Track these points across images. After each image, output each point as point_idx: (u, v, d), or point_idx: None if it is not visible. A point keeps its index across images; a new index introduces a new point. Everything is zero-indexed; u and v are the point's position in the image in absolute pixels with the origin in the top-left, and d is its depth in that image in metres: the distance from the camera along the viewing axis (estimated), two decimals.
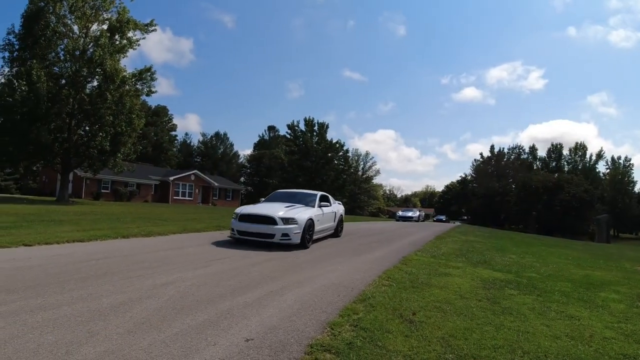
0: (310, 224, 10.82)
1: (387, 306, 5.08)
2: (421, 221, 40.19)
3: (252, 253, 9.13)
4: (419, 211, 42.86)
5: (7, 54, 27.57)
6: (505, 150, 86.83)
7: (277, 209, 10.57)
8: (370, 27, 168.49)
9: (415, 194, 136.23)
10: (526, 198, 67.12)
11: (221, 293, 5.37)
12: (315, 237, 11.44)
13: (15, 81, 26.41)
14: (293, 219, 10.23)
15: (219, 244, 10.54)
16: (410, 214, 39.99)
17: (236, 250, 9.37)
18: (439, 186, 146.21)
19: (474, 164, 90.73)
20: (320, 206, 12.18)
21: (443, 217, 66.52)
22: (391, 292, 5.89)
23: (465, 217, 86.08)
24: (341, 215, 14.50)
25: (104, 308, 4.44)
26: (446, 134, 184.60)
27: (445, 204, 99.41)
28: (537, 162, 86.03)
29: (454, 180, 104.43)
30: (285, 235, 10.01)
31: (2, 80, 27.23)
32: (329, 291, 5.80)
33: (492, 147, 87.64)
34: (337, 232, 13.93)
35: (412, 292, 5.93)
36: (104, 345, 3.41)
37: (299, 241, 10.25)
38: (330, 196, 13.74)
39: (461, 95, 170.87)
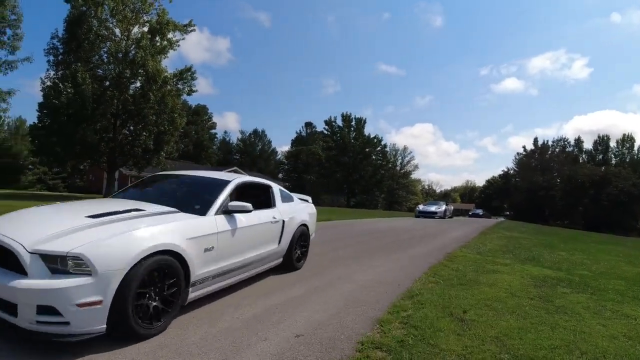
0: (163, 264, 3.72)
1: (436, 304, 4.93)
2: (448, 217, 32.68)
3: None
4: (445, 205, 33.61)
5: (52, 57, 28.66)
6: (550, 143, 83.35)
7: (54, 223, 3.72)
8: (406, 18, 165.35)
9: (454, 189, 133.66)
10: (572, 192, 64.60)
11: (267, 288, 5.37)
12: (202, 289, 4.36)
13: (60, 84, 27.46)
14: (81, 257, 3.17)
15: None
16: (433, 208, 31.36)
17: None
18: (480, 181, 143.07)
19: (517, 157, 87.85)
20: (228, 210, 4.84)
21: (480, 211, 62.53)
22: (439, 289, 5.73)
23: (508, 213, 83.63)
24: (300, 226, 6.99)
25: None
26: (486, 126, 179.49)
27: (486, 199, 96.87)
28: (583, 155, 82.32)
29: (496, 174, 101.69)
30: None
31: (48, 84, 28.36)
32: (374, 287, 5.70)
33: (535, 140, 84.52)
34: (288, 261, 6.65)
35: (461, 290, 5.75)
36: (158, 340, 3.44)
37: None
38: (276, 188, 6.81)
39: (502, 86, 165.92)
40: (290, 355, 3.27)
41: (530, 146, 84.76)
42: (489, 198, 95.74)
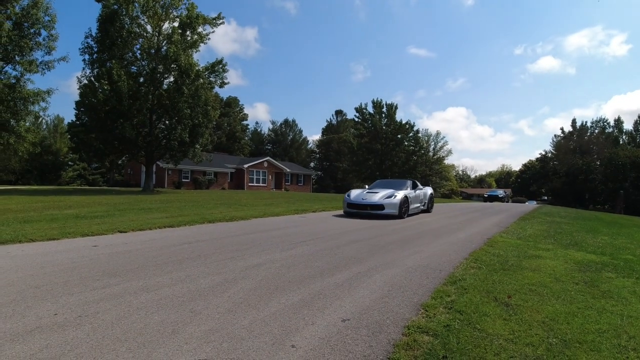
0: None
1: (480, 289, 4.91)
2: (506, 202, 42.41)
3: (335, 235, 9.24)
4: (504, 192, 45.79)
5: (87, 56, 29.55)
6: (588, 124, 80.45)
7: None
8: None
9: (490, 174, 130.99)
10: (612, 176, 62.19)
11: (310, 274, 5.45)
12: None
13: (96, 82, 28.28)
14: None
15: (299, 227, 10.75)
16: (498, 193, 45.62)
17: (318, 234, 9.49)
18: (516, 165, 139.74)
19: (554, 140, 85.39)
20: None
21: (500, 193, 61.12)
22: (481, 274, 5.69)
23: (545, 197, 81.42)
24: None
25: (202, 288, 4.64)
26: (522, 108, 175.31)
27: (523, 183, 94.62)
28: (624, 136, 79.05)
29: (533, 158, 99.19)
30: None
31: (85, 82, 29.24)
32: (416, 273, 5.71)
33: (573, 121, 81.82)
34: (428, 209, 18.07)
35: (504, 275, 5.70)
36: (208, 324, 3.55)
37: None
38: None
39: (537, 65, 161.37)
40: (338, 339, 3.33)
41: (568, 128, 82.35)
42: (526, 183, 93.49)
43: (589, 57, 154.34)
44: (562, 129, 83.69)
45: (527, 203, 61.06)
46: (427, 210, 18.02)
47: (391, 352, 3.13)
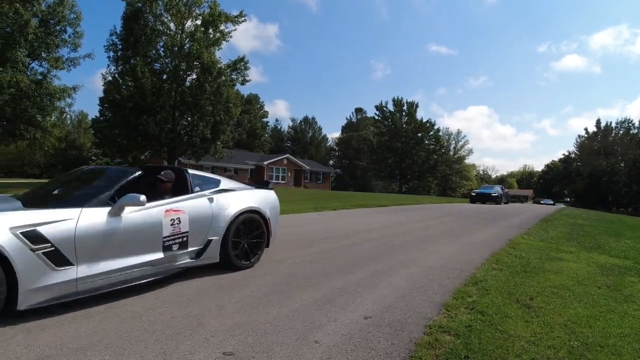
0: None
1: (502, 290, 4.90)
2: (504, 203, 29.95)
3: (355, 233, 9.29)
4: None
5: (111, 53, 30.06)
6: (613, 125, 78.20)
7: None
8: None
9: (511, 174, 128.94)
10: (637, 178, 60.78)
11: (332, 271, 5.52)
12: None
13: (120, 79, 28.75)
14: None
15: (319, 224, 10.81)
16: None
17: (337, 231, 9.53)
18: (538, 165, 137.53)
19: (578, 140, 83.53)
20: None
21: (494, 190, 58.81)
22: (503, 276, 5.68)
23: (568, 199, 79.85)
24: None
25: (225, 283, 4.75)
26: (545, 108, 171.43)
27: (545, 184, 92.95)
28: None
29: (555, 158, 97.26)
30: None
31: (109, 79, 29.77)
32: (437, 273, 5.72)
33: (597, 121, 79.61)
34: (507, 202, 21.39)
35: (526, 277, 5.68)
36: (233, 318, 3.63)
37: None
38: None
39: (561, 64, 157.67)
40: (361, 336, 3.37)
41: (592, 128, 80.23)
42: (548, 184, 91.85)
43: (614, 56, 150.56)
44: (585, 129, 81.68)
45: (542, 202, 59.89)
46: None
47: (413, 351, 3.16)
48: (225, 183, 5.65)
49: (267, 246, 5.82)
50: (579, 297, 4.86)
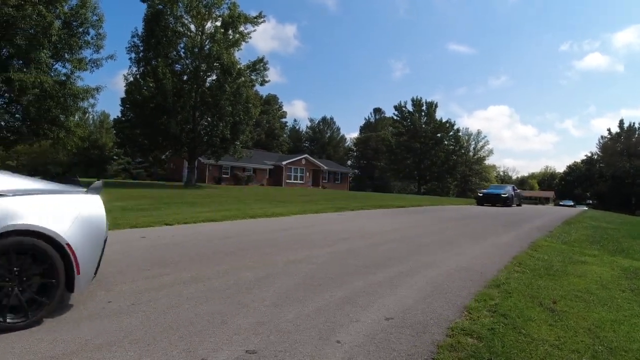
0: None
1: (524, 293, 4.84)
2: (516, 205, 27.34)
3: (375, 233, 9.28)
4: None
5: (133, 55, 30.55)
6: (637, 125, 76.37)
7: None
8: None
9: (532, 175, 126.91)
10: None
11: (352, 271, 5.52)
12: None
13: (141, 80, 29.16)
14: None
15: (339, 225, 10.81)
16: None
17: (358, 231, 9.53)
18: (560, 167, 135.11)
19: (600, 141, 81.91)
20: None
21: (504, 190, 57.49)
22: (526, 278, 5.61)
23: (590, 202, 78.25)
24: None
25: (248, 282, 4.79)
26: (567, 107, 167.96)
27: (567, 186, 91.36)
28: None
29: (578, 160, 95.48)
30: None
31: (131, 79, 30.23)
32: (458, 275, 5.68)
33: (620, 122, 77.84)
34: (520, 204, 24.00)
35: (548, 280, 5.60)
36: (255, 317, 3.66)
37: None
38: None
39: (584, 63, 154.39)
40: (383, 337, 3.36)
41: (615, 129, 78.55)
42: (570, 185, 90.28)
43: (638, 55, 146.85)
44: (609, 129, 79.98)
45: (561, 204, 58.65)
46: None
47: (435, 353, 3.14)
48: None
49: (72, 290, 3.59)
50: (603, 301, 4.79)
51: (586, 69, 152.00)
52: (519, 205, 27.55)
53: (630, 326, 3.98)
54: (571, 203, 59.34)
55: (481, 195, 27.40)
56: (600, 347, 3.41)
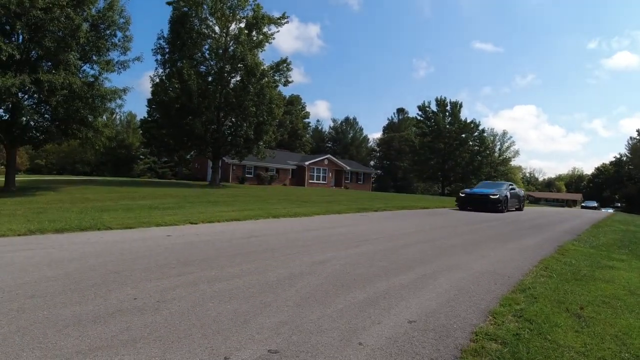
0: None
1: (550, 298, 4.74)
2: (516, 208, 22.43)
3: (399, 235, 9.21)
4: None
5: (159, 56, 31.09)
6: None
7: None
8: None
9: (559, 177, 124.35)
10: None
11: (375, 273, 5.49)
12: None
13: (167, 81, 29.64)
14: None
15: (362, 225, 10.78)
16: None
17: (381, 233, 9.49)
18: (588, 168, 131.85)
19: (630, 142, 79.66)
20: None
21: (594, 203, 55.93)
22: (552, 283, 5.48)
23: (618, 204, 76.15)
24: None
25: (271, 281, 4.81)
26: (596, 107, 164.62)
27: (595, 188, 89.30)
28: None
29: (606, 161, 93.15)
30: None
31: (157, 81, 30.73)
32: (483, 278, 5.60)
33: None
34: (521, 208, 21.35)
35: (575, 285, 5.46)
36: (278, 316, 3.67)
37: None
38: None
39: (613, 61, 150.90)
40: (405, 340, 3.33)
41: None
42: (599, 188, 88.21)
43: None
44: (638, 130, 78.01)
45: (583, 205, 56.65)
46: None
47: (459, 357, 3.10)
48: None
49: None
50: (631, 307, 4.66)
51: (615, 68, 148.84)
52: (518, 209, 22.59)
53: None
54: (595, 204, 57.62)
55: (463, 195, 20.80)
56: (627, 355, 3.32)
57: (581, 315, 4.21)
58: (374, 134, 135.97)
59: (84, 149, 49.33)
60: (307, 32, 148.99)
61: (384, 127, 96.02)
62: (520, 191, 23.94)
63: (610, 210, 51.31)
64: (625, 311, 4.48)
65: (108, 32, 23.90)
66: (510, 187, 22.02)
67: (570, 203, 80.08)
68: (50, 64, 21.44)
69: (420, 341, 3.35)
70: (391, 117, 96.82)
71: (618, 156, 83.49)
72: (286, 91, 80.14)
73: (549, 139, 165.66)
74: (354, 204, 18.46)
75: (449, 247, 8.01)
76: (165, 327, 3.33)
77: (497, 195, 19.34)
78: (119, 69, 25.30)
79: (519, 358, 3.11)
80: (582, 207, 55.93)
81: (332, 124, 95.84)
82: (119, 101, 24.89)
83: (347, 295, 4.42)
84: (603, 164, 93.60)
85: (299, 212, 13.12)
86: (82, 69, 23.75)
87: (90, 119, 23.35)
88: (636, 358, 3.28)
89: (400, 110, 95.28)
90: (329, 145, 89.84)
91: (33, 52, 21.28)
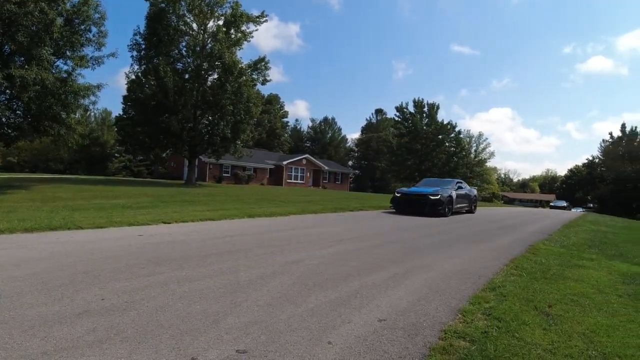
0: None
1: (520, 297, 4.82)
2: (466, 211, 19.41)
3: (373, 235, 9.26)
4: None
5: (135, 53, 30.55)
6: (639, 130, 76.14)
7: None
8: None
9: (533, 178, 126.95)
10: None
11: (348, 273, 5.50)
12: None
13: (143, 78, 29.19)
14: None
15: (338, 225, 10.80)
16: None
17: (356, 232, 9.52)
18: (562, 170, 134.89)
19: (602, 145, 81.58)
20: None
21: (564, 203, 56.77)
22: (522, 282, 5.58)
23: (591, 205, 78.07)
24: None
25: (243, 281, 4.78)
26: (570, 111, 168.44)
27: (568, 189, 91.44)
28: None
29: (579, 163, 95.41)
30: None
31: (132, 77, 30.25)
32: (454, 277, 5.66)
33: (622, 126, 77.17)
34: (472, 210, 18.34)
35: (545, 284, 5.58)
36: (248, 316, 3.65)
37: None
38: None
39: (587, 66, 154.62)
40: (374, 339, 3.35)
41: (617, 133, 78.17)
42: (572, 189, 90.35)
43: None
44: (610, 133, 79.52)
45: (552, 205, 57.92)
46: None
47: (427, 355, 3.13)
48: None
49: None
50: (599, 305, 4.77)
51: (589, 72, 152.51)
52: (469, 211, 19.58)
53: (626, 331, 3.96)
54: (564, 204, 58.86)
55: (399, 195, 17.66)
56: (594, 352, 3.39)
57: (549, 313, 4.30)
58: (353, 134, 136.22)
59: (56, 147, 48.10)
60: (287, 30, 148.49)
61: (362, 127, 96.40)
62: (472, 190, 20.69)
63: (580, 210, 52.52)
64: (594, 309, 4.59)
65: (83, 27, 23.40)
66: (459, 184, 19.10)
67: (544, 203, 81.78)
68: (23, 59, 20.90)
69: (389, 339, 3.37)
70: (370, 117, 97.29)
71: (590, 158, 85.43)
72: (265, 90, 79.84)
73: (524, 141, 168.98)
74: (331, 203, 18.49)
75: (421, 247, 8.09)
76: (132, 328, 3.28)
77: (438, 195, 16.13)
78: (93, 64, 24.79)
79: (487, 356, 3.15)
80: (551, 206, 57.01)
81: (310, 124, 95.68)
82: (92, 98, 24.40)
83: (318, 294, 4.43)
84: (576, 165, 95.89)
85: (275, 211, 13.07)
86: (56, 64, 23.22)
87: (63, 116, 22.83)
88: (602, 355, 3.35)
89: (379, 111, 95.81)
90: (308, 145, 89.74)
91: (6, 47, 20.71)
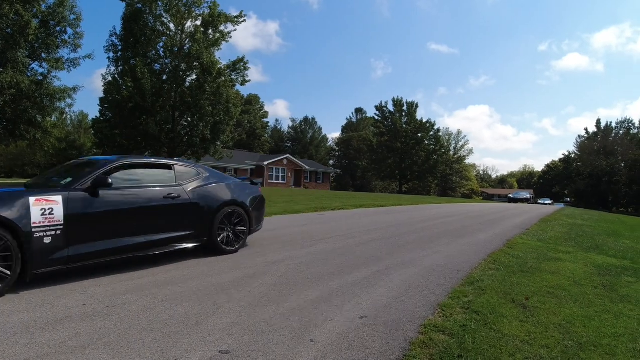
0: None
1: (498, 290, 4.94)
2: None
3: (355, 233, 9.31)
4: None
5: (111, 54, 30.10)
6: (613, 125, 77.77)
7: None
8: None
9: (512, 174, 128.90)
10: (637, 178, 60.64)
11: (330, 271, 5.55)
12: None
13: (120, 79, 28.83)
14: None
15: (319, 225, 10.83)
16: None
17: (338, 231, 9.56)
18: (539, 166, 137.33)
19: (578, 140, 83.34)
20: None
21: (526, 194, 57.30)
22: (500, 276, 5.71)
23: (568, 200, 79.67)
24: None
25: (225, 283, 4.79)
26: (546, 107, 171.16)
27: (545, 185, 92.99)
28: None
29: (556, 159, 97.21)
30: None
31: (109, 79, 29.84)
32: (434, 273, 5.75)
33: (598, 122, 79.07)
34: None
35: (522, 277, 5.71)
36: (230, 317, 3.68)
37: None
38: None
39: (563, 63, 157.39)
40: (356, 335, 3.41)
41: (592, 128, 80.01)
42: (549, 184, 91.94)
43: (616, 55, 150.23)
44: (586, 129, 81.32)
45: (540, 202, 59.29)
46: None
47: (407, 350, 3.20)
48: None
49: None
50: (575, 297, 4.89)
51: (565, 69, 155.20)
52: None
53: (601, 322, 4.08)
54: (549, 201, 60.25)
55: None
56: (570, 342, 3.50)
57: (526, 305, 4.41)
58: (333, 134, 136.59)
59: (33, 151, 47.16)
60: (266, 29, 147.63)
61: (342, 126, 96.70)
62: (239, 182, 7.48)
63: (563, 206, 53.68)
64: (570, 301, 4.71)
65: (58, 28, 23.09)
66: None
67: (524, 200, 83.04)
68: None
69: (370, 335, 3.43)
70: (350, 116, 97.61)
71: (567, 154, 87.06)
72: (244, 90, 79.56)
73: (501, 137, 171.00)
74: (313, 203, 18.53)
75: (403, 244, 8.14)
76: (114, 332, 3.28)
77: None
78: (69, 66, 24.48)
79: (465, 348, 3.24)
80: (539, 203, 58.17)
81: (291, 124, 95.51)
82: (69, 100, 24.13)
83: (300, 294, 4.47)
84: (553, 161, 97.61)
85: None
86: (31, 67, 22.83)
87: (39, 119, 22.47)
88: (578, 345, 3.47)
89: (359, 110, 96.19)
90: (288, 145, 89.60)
91: None
